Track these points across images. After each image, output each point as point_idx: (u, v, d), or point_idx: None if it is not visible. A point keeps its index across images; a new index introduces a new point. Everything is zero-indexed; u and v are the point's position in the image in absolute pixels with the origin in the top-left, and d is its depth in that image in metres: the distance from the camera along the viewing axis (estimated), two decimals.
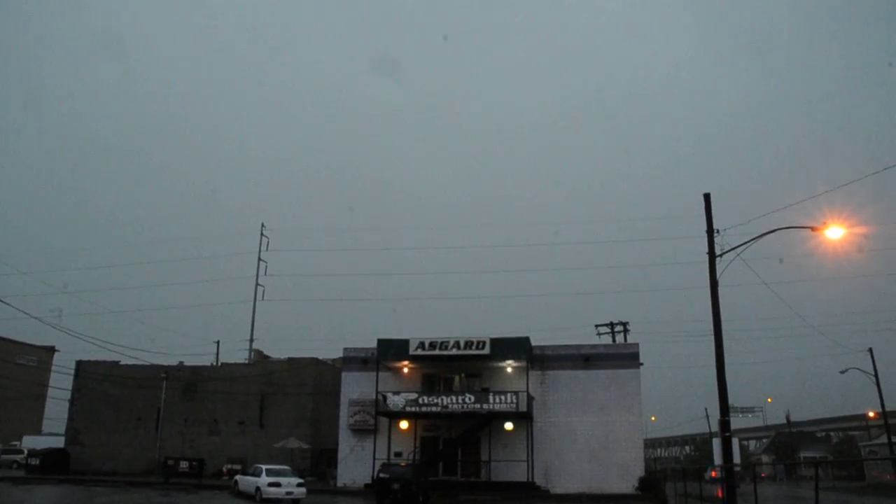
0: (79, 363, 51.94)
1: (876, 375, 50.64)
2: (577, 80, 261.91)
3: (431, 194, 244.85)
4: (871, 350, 51.12)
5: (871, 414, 71.98)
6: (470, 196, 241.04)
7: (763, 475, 36.83)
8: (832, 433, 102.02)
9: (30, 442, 58.21)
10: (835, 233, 19.31)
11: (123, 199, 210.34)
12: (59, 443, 51.98)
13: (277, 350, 63.80)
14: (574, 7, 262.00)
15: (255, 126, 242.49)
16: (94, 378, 50.63)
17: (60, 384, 60.61)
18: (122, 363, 50.48)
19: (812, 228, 19.73)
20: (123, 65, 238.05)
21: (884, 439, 57.06)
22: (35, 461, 46.19)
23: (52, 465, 45.75)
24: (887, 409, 54.03)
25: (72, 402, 51.73)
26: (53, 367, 67.08)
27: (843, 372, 53.09)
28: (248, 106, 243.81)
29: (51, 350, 72.31)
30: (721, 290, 21.34)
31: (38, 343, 70.68)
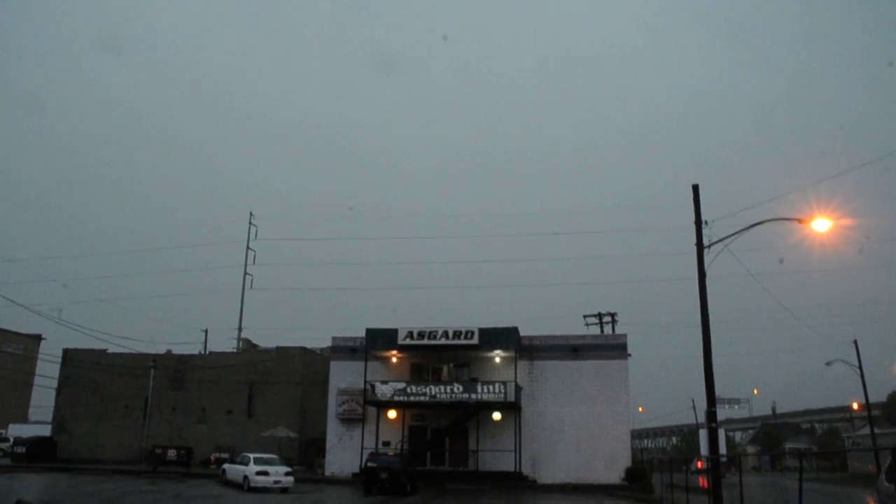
0: (66, 351, 51.67)
1: (860, 367, 51.04)
2: (576, 80, 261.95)
3: (429, 193, 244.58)
4: (856, 342, 51.51)
5: (855, 406, 72.77)
6: (468, 195, 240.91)
7: (701, 465, 36.96)
8: (817, 424, 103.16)
9: (16, 430, 57.94)
10: (821, 225, 19.40)
11: (117, 191, 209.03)
12: (45, 431, 51.72)
13: (266, 339, 63.80)
14: (574, 8, 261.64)
15: (254, 125, 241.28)
16: (81, 366, 50.38)
17: (47, 372, 60.39)
18: (109, 351, 50.29)
19: (799, 220, 19.82)
20: (124, 65, 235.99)
21: (867, 431, 57.68)
22: (21, 449, 45.96)
23: (38, 454, 45.52)
24: (871, 401, 54.59)
25: (59, 390, 51.48)
26: (40, 356, 66.71)
27: (828, 364, 53.43)
28: (248, 105, 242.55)
29: (37, 338, 71.84)
30: (709, 282, 21.43)
31: (24, 331, 70.21)
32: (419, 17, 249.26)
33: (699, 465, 39.50)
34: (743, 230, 20.55)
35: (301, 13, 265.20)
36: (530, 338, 40.23)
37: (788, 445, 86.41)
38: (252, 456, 31.34)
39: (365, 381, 38.35)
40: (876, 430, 55.24)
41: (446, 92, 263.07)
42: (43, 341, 71.00)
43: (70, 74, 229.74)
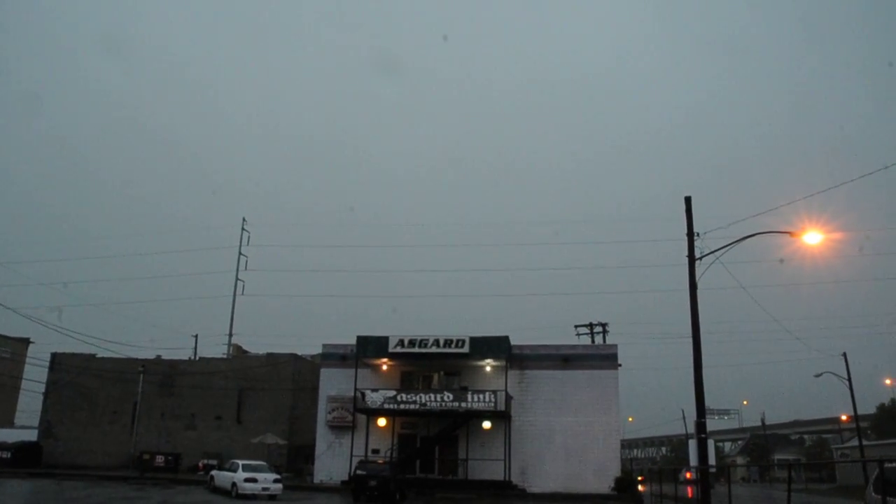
0: (54, 355, 51.25)
1: (849, 380, 51.28)
2: (575, 86, 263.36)
3: (429, 193, 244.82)
4: (845, 354, 51.75)
5: (844, 417, 73.04)
6: (467, 196, 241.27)
7: (690, 475, 36.66)
8: (806, 436, 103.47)
9: (2, 435, 57.34)
10: (813, 238, 19.52)
11: (112, 193, 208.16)
12: (32, 436, 51.26)
13: (256, 345, 63.49)
14: (574, 12, 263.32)
15: (255, 125, 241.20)
16: (69, 370, 50.01)
17: (35, 376, 59.76)
18: (98, 356, 49.93)
19: (790, 233, 19.94)
20: (123, 66, 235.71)
21: (855, 442, 57.87)
22: (7, 454, 45.55)
23: (24, 459, 45.13)
24: (860, 413, 54.80)
25: (46, 394, 51.04)
26: (28, 359, 66.08)
27: (817, 376, 53.68)
28: (248, 105, 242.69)
29: (25, 341, 71.20)
30: (700, 293, 21.51)
31: (12, 334, 69.57)
32: (419, 17, 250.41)
33: (688, 475, 39.62)
34: (734, 243, 20.67)
35: (300, 14, 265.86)
36: (521, 347, 40.20)
37: (777, 457, 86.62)
38: (241, 462, 31.14)
39: (355, 389, 38.19)
40: (864, 442, 55.42)
41: (446, 93, 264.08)
42: (31, 345, 70.38)
43: (70, 75, 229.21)
